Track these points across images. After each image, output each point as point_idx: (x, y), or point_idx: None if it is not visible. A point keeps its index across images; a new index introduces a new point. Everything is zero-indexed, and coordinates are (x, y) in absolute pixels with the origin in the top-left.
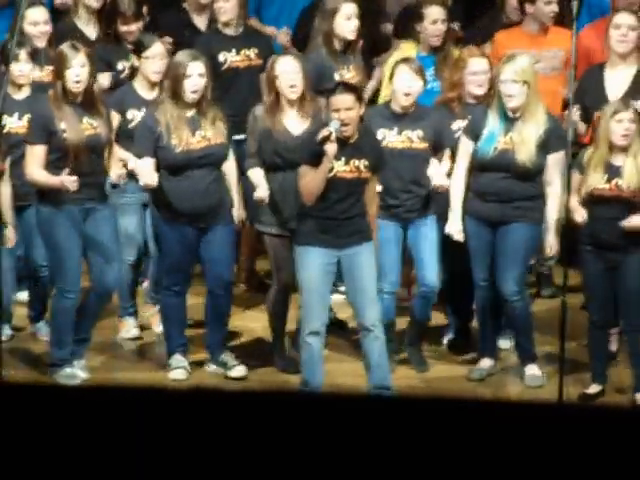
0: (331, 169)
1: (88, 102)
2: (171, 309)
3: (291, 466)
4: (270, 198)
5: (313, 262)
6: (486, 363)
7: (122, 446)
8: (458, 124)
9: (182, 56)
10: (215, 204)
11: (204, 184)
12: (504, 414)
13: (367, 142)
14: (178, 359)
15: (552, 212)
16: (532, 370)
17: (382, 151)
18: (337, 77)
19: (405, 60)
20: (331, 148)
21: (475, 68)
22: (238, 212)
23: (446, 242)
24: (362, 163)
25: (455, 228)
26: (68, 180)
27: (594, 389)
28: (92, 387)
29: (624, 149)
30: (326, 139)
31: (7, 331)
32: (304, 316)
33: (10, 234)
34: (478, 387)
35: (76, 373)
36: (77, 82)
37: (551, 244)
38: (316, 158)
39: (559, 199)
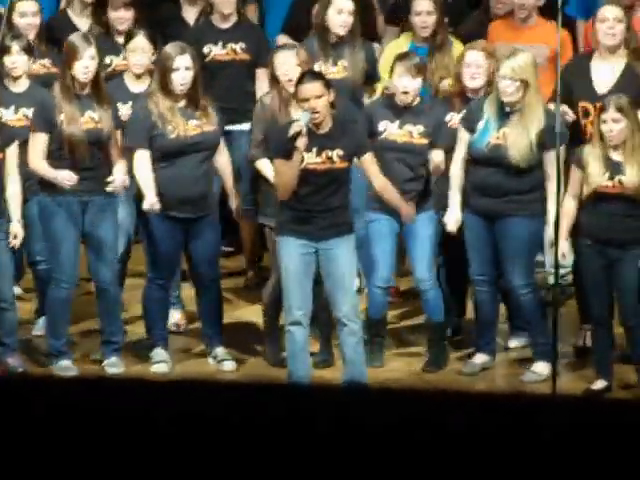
0: (301, 161)
1: (94, 95)
2: (154, 303)
3: (279, 460)
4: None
5: (292, 253)
6: (481, 358)
7: (110, 438)
8: (455, 118)
9: (170, 49)
10: (204, 193)
11: (196, 171)
12: (496, 407)
13: (341, 130)
14: (160, 353)
15: (551, 212)
16: (538, 368)
17: (361, 135)
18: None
19: (403, 56)
20: (302, 143)
21: (467, 60)
22: (235, 205)
23: (441, 235)
24: (336, 153)
25: (450, 218)
26: (65, 177)
27: (599, 385)
28: (82, 379)
29: (617, 146)
30: (298, 134)
31: None
32: (286, 306)
33: (16, 229)
34: (472, 381)
35: (71, 366)
36: (85, 74)
37: (563, 250)
38: (287, 152)
39: (555, 197)
